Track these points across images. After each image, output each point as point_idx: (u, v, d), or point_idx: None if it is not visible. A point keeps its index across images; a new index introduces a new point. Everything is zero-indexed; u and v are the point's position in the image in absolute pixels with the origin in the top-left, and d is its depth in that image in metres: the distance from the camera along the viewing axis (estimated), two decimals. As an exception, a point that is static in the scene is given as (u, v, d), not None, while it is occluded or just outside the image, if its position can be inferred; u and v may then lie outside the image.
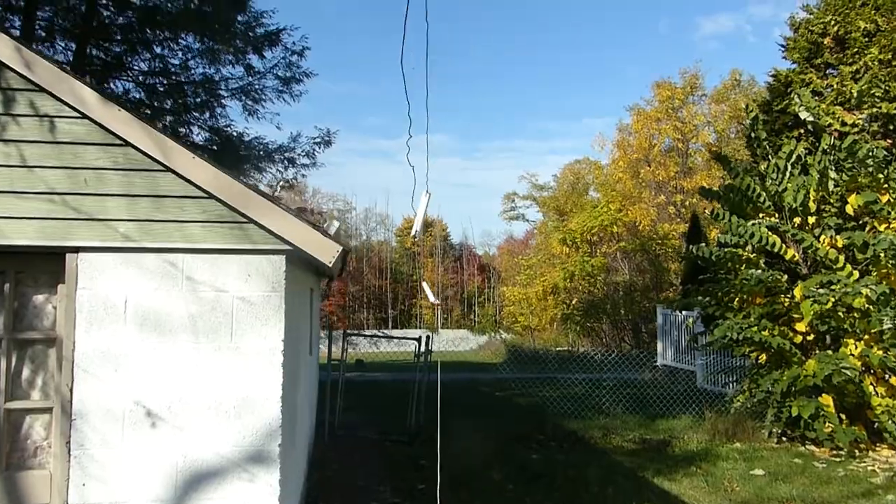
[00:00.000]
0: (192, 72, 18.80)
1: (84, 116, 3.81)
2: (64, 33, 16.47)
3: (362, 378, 17.82)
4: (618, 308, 34.07)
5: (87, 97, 3.79)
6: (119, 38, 17.82)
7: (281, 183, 19.42)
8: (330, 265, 3.82)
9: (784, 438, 10.58)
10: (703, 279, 11.91)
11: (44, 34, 16.11)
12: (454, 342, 57.12)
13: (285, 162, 19.34)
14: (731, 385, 14.29)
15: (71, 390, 3.69)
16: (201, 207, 3.87)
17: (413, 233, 4.38)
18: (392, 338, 10.99)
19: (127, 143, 3.82)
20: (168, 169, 3.84)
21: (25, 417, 3.79)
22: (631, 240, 35.91)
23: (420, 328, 62.18)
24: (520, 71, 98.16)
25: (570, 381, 14.81)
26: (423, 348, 10.61)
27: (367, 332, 11.03)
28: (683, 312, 18.18)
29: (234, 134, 18.96)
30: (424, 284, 5.08)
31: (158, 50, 18.36)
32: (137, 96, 18.06)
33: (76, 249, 3.76)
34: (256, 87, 18.80)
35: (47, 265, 3.81)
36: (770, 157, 11.55)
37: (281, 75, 19.04)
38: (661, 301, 26.62)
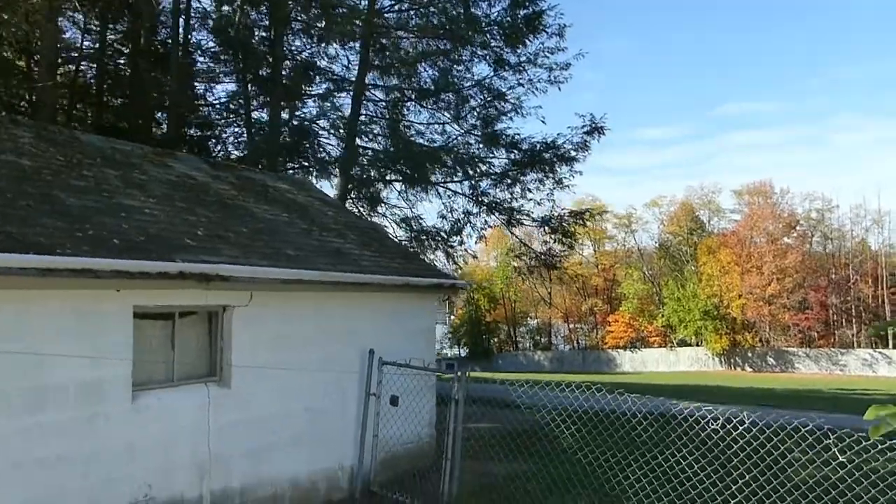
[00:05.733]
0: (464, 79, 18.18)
1: None
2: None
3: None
4: None
5: None
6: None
7: (551, 184, 17.02)
8: None
9: None
10: None
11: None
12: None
13: (556, 159, 16.97)
14: None
15: None
16: None
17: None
18: (417, 368, 8.20)
19: None
20: None
21: None
22: None
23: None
24: None
25: None
26: (458, 387, 7.48)
27: (400, 362, 8.30)
28: None
29: (506, 136, 17.58)
30: None
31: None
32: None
33: None
34: (514, 82, 17.11)
35: None
36: None
37: (547, 64, 16.93)
38: None
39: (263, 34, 17.76)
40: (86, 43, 23.25)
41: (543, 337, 69.02)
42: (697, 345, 55.93)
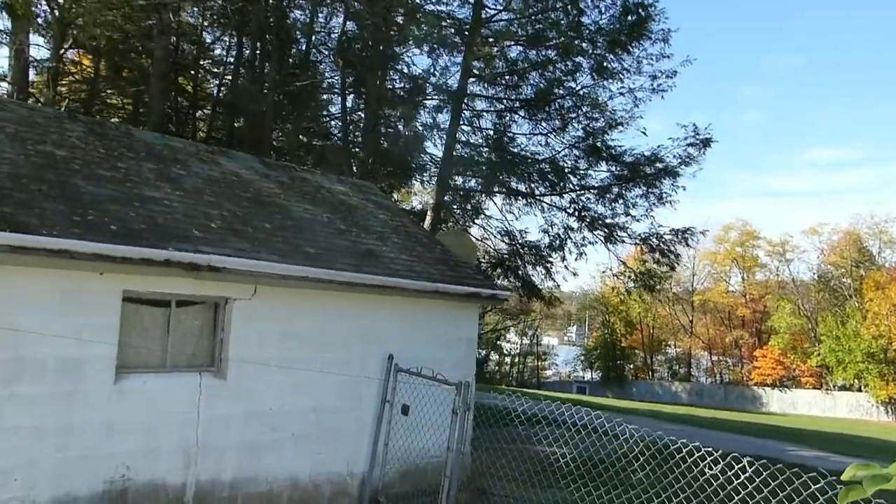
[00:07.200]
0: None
1: None
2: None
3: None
4: None
5: None
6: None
7: (654, 200, 15.85)
8: None
9: None
10: None
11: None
12: None
13: (658, 173, 15.84)
14: None
15: None
16: None
17: None
18: (426, 377, 7.74)
19: None
20: None
21: None
22: None
23: None
24: None
25: None
26: (459, 400, 7.00)
27: (413, 370, 7.69)
28: None
29: (608, 148, 16.73)
30: None
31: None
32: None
33: None
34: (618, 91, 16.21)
35: None
36: None
37: (650, 72, 15.94)
38: None
39: (368, 46, 18.22)
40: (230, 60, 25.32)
41: (682, 367, 64.94)
42: (859, 390, 50.03)
